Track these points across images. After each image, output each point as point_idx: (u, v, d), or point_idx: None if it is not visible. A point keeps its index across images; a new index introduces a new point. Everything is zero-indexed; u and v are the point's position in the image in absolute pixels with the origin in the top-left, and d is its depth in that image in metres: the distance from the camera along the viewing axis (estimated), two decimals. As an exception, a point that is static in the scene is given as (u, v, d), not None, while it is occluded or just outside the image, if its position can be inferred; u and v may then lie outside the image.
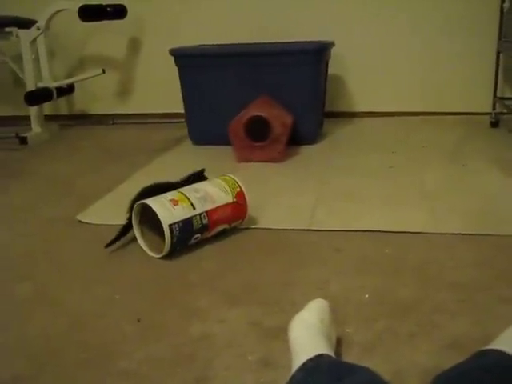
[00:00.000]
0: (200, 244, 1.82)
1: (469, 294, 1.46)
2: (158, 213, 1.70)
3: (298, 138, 2.94)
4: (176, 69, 3.11)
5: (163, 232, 1.69)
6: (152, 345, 1.31)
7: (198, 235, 1.79)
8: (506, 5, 3.23)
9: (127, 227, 1.86)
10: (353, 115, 3.70)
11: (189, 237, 1.76)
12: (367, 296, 1.46)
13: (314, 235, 1.87)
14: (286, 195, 2.24)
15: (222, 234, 1.88)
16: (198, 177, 2.01)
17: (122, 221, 1.90)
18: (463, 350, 1.09)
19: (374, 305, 1.42)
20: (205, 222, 1.78)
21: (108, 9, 3.23)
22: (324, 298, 1.29)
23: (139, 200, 1.81)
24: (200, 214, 1.77)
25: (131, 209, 1.84)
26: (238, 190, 1.88)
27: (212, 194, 1.82)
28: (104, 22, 3.33)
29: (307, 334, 1.13)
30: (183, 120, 3.24)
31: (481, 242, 1.77)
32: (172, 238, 1.70)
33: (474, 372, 0.99)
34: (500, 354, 1.01)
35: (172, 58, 3.09)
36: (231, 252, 1.79)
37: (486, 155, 2.69)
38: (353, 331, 1.31)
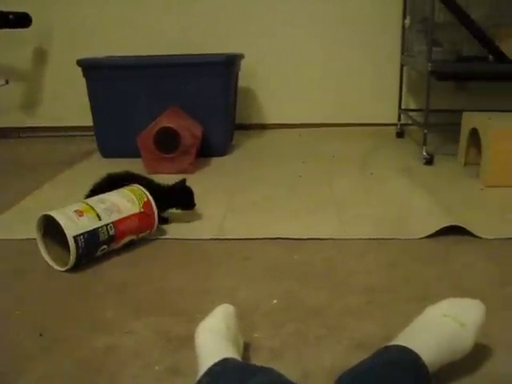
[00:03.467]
0: (107, 256, 1.77)
1: (376, 296, 1.49)
2: (61, 224, 1.64)
3: (208, 150, 2.93)
4: (84, 80, 3.04)
5: (68, 244, 1.64)
6: (54, 360, 1.26)
7: (105, 247, 1.74)
8: (407, 21, 3.37)
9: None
10: (263, 127, 3.74)
11: (95, 248, 1.71)
12: (275, 301, 1.47)
13: (224, 244, 1.86)
14: (196, 206, 2.21)
15: (130, 245, 1.84)
16: (182, 187, 2.02)
17: (24, 235, 1.85)
18: (370, 349, 1.10)
19: (283, 310, 1.43)
20: (111, 232, 1.73)
21: (10, 16, 3.11)
22: (233, 305, 1.28)
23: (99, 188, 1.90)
24: (106, 225, 1.72)
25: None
26: (146, 199, 1.85)
27: (118, 205, 1.78)
28: (6, 30, 3.21)
29: (213, 340, 1.11)
30: (93, 133, 3.16)
31: (387, 245, 1.82)
32: (77, 249, 1.65)
33: (377, 367, 1.01)
34: (401, 348, 1.04)
35: (80, 69, 3.02)
36: (139, 263, 1.75)
37: (392, 164, 2.77)
38: (261, 336, 1.31)
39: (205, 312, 1.24)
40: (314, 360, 1.22)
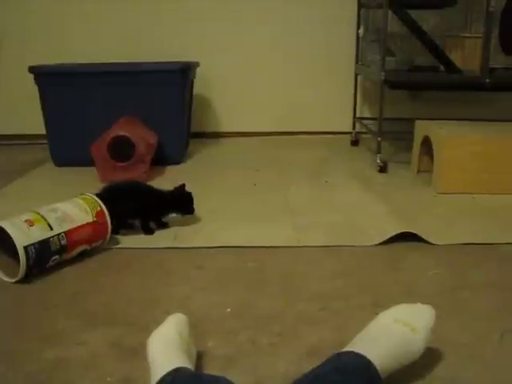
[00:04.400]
0: (59, 266, 1.74)
1: (329, 303, 1.50)
2: (11, 234, 1.60)
3: (163, 159, 2.92)
4: (36, 87, 2.98)
5: (18, 254, 1.60)
6: (2, 374, 1.22)
7: (57, 257, 1.71)
8: (361, 31, 3.42)
9: None
10: (219, 135, 3.73)
11: (46, 259, 1.68)
12: (229, 310, 1.46)
13: (177, 253, 1.85)
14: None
15: (83, 255, 1.81)
16: (182, 192, 2.07)
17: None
18: (323, 355, 1.10)
19: (236, 318, 1.42)
20: (63, 242, 1.70)
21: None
22: (186, 315, 1.27)
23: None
24: (58, 235, 1.69)
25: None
26: (99, 209, 1.82)
27: (71, 214, 1.75)
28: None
29: (165, 349, 1.10)
30: (45, 141, 3.11)
31: (341, 253, 1.84)
32: (28, 260, 1.61)
33: (328, 373, 1.02)
34: (353, 354, 1.05)
35: (32, 76, 2.96)
36: (92, 273, 1.72)
37: (347, 172, 2.80)
38: (215, 345, 1.30)
39: (158, 321, 1.23)
40: (267, 367, 1.21)
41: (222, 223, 2.10)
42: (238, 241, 1.92)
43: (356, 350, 1.06)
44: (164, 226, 2.07)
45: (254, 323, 1.40)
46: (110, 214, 1.87)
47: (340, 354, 1.07)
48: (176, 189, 2.08)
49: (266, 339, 1.32)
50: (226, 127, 3.75)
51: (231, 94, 3.70)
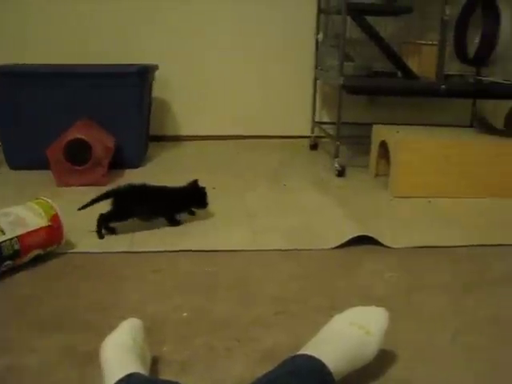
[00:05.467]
0: (12, 271, 1.70)
1: (286, 306, 1.50)
2: (-38, 239, 1.57)
3: (121, 162, 2.88)
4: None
5: (-31, 260, 1.57)
6: (-50, 382, 1.19)
7: (9, 262, 1.67)
8: (320, 36, 3.45)
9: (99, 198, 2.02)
10: (178, 139, 3.71)
11: (-2, 264, 1.65)
12: (185, 314, 1.45)
13: (134, 257, 1.83)
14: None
15: (37, 260, 1.77)
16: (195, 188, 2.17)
17: None
18: (279, 359, 1.10)
19: (192, 323, 1.42)
20: (16, 247, 1.67)
21: None
22: (142, 319, 1.26)
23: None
24: (10, 239, 1.65)
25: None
26: (54, 213, 1.79)
27: (24, 218, 1.72)
28: None
29: (118, 354, 1.09)
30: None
31: (298, 256, 1.85)
32: (-21, 265, 1.58)
33: (282, 376, 1.02)
34: (307, 358, 1.05)
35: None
36: (46, 278, 1.69)
37: (305, 175, 2.82)
38: (170, 350, 1.29)
39: (113, 327, 1.21)
40: (223, 372, 1.21)
41: (180, 227, 2.09)
42: (196, 245, 1.91)
43: (310, 353, 1.06)
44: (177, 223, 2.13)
45: (210, 328, 1.39)
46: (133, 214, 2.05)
47: (294, 358, 1.07)
48: (190, 184, 2.17)
49: (222, 344, 1.31)
50: (185, 130, 3.74)
51: (190, 97, 3.69)
